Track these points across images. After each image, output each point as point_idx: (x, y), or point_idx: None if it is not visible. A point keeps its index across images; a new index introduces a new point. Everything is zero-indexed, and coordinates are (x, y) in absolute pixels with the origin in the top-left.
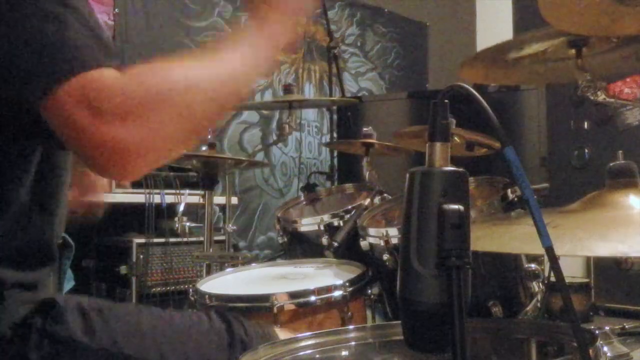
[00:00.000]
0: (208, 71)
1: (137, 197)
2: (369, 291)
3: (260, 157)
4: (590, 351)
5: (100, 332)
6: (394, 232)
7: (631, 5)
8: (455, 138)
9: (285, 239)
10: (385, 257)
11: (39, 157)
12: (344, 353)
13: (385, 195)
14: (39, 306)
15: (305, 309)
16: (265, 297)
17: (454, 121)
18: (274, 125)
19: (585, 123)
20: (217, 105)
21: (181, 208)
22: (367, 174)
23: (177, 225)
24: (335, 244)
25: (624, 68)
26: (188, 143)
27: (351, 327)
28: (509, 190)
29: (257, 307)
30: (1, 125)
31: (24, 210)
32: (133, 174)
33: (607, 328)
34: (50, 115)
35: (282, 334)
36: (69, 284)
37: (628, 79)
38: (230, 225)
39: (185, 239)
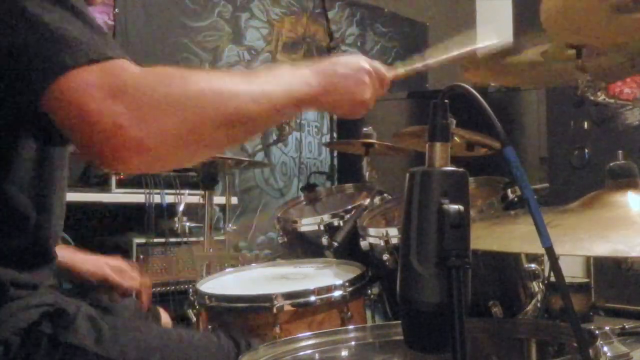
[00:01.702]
0: (235, 88)
1: (137, 197)
2: (369, 291)
3: (260, 157)
4: (590, 351)
5: (110, 343)
6: (394, 232)
7: (631, 14)
8: (455, 138)
9: (285, 239)
10: (385, 257)
11: (35, 156)
12: (344, 353)
13: (385, 195)
14: (49, 313)
15: (305, 309)
16: (265, 297)
17: (454, 121)
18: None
19: (585, 123)
20: (233, 124)
21: (181, 208)
22: (367, 174)
23: (177, 225)
24: (335, 244)
25: (621, 73)
26: (193, 155)
27: (351, 327)
28: (509, 190)
29: (257, 307)
30: None
31: (20, 210)
32: (129, 166)
33: (607, 328)
34: (58, 98)
35: None
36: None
37: (628, 79)
38: (230, 225)
39: (185, 239)
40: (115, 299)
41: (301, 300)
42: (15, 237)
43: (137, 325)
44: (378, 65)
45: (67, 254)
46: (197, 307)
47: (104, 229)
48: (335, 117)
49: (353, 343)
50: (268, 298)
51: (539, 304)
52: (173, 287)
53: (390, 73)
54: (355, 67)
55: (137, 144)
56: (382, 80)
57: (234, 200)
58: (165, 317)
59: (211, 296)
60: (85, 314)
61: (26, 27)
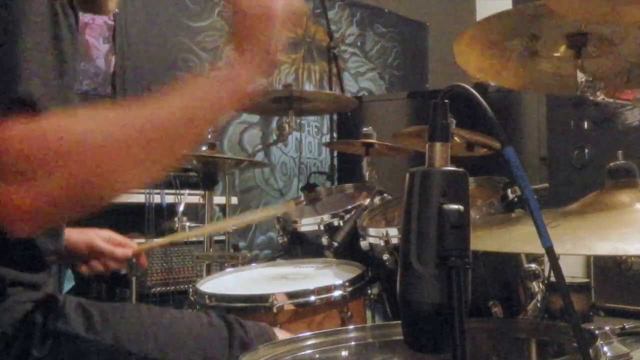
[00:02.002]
0: (128, 123)
1: (137, 197)
2: (369, 291)
3: (260, 157)
4: (590, 351)
5: (101, 329)
6: (394, 232)
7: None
8: (455, 138)
9: (285, 239)
10: (385, 257)
11: None
12: (344, 353)
13: (385, 195)
14: (40, 303)
15: (305, 309)
16: (265, 297)
17: (454, 121)
18: (274, 125)
19: (585, 123)
20: (133, 160)
21: (181, 208)
22: (367, 174)
23: (177, 225)
24: (335, 244)
25: (616, 84)
26: (92, 202)
27: (351, 327)
28: (509, 190)
29: (257, 307)
30: None
31: None
32: (20, 233)
33: (607, 328)
34: None
35: (282, 334)
36: (69, 283)
37: None
38: (230, 225)
39: (185, 239)
40: (105, 270)
41: (301, 300)
42: (12, 240)
43: (128, 307)
44: None
45: None
46: (197, 307)
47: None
48: (335, 117)
49: (353, 343)
50: (268, 298)
51: (539, 304)
52: (173, 287)
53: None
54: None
55: (24, 211)
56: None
57: (234, 200)
58: None
59: (211, 296)
60: (74, 302)
61: None
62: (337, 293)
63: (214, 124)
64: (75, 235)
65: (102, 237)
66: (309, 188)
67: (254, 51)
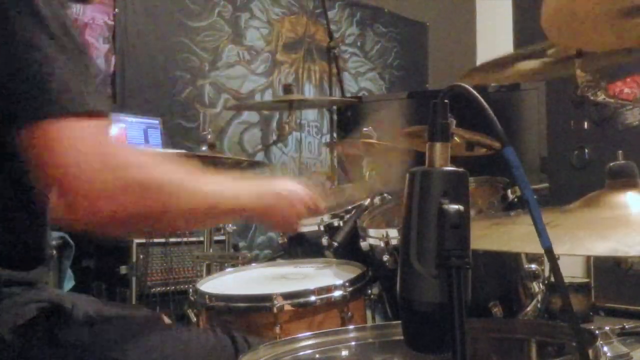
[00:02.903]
0: (191, 187)
1: None
2: (369, 291)
3: (260, 157)
4: (590, 351)
5: (107, 340)
6: (394, 233)
7: (637, 18)
8: (455, 138)
9: (285, 239)
10: (385, 257)
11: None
12: (344, 353)
13: (385, 195)
14: (45, 309)
15: (305, 309)
16: (265, 297)
17: (454, 121)
18: (274, 125)
19: (585, 123)
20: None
21: None
22: (367, 174)
23: None
24: (335, 244)
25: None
26: (128, 228)
27: (351, 327)
28: (509, 190)
29: (257, 307)
30: None
31: (9, 210)
32: (77, 223)
33: (607, 328)
34: (33, 140)
35: None
36: (69, 283)
37: (628, 79)
38: (230, 225)
39: (185, 239)
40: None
41: (301, 300)
42: (5, 236)
43: (135, 323)
44: (306, 194)
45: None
46: (197, 307)
47: None
48: (335, 117)
49: (353, 343)
50: (268, 298)
51: (539, 304)
52: (173, 287)
53: (320, 204)
54: (292, 194)
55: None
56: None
57: None
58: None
59: (211, 296)
60: (83, 312)
61: (18, 62)
62: (337, 293)
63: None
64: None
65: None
66: None
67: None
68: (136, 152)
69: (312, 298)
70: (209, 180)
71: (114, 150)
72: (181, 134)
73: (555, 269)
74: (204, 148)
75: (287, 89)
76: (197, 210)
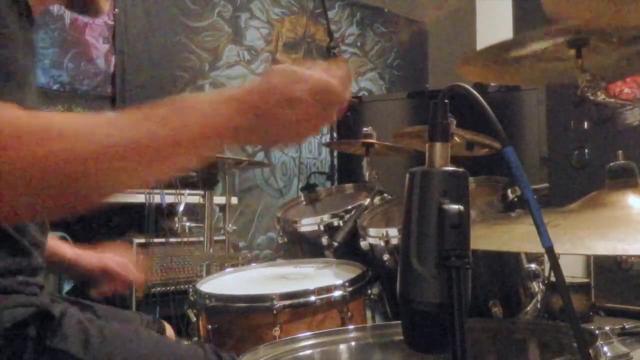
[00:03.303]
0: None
1: (137, 197)
2: (369, 291)
3: (260, 157)
4: (590, 351)
5: (97, 350)
6: (394, 232)
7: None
8: (455, 138)
9: (285, 239)
10: (386, 257)
11: None
12: (344, 353)
13: (385, 195)
14: (34, 314)
15: (305, 309)
16: (265, 297)
17: (454, 121)
18: None
19: (585, 123)
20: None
21: (181, 208)
22: (367, 174)
23: (177, 225)
24: (335, 244)
25: (623, 70)
26: (79, 199)
27: (351, 327)
28: (509, 190)
29: (257, 307)
30: None
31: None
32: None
33: (607, 328)
34: None
35: None
36: (68, 284)
37: (628, 79)
38: (230, 225)
39: (185, 239)
40: (105, 292)
41: (301, 300)
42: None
43: (126, 331)
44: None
45: (70, 251)
46: (197, 307)
47: (104, 229)
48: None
49: (353, 343)
50: (268, 298)
51: (539, 304)
52: (173, 287)
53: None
54: (289, 78)
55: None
56: (331, 97)
57: (234, 200)
58: (169, 331)
59: (211, 296)
60: (73, 318)
61: None
62: (337, 293)
63: (198, 154)
64: (92, 260)
65: (115, 262)
66: (308, 188)
67: (263, 133)
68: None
69: (312, 298)
70: (134, 116)
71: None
72: None
73: (555, 268)
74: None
75: None
76: (127, 157)
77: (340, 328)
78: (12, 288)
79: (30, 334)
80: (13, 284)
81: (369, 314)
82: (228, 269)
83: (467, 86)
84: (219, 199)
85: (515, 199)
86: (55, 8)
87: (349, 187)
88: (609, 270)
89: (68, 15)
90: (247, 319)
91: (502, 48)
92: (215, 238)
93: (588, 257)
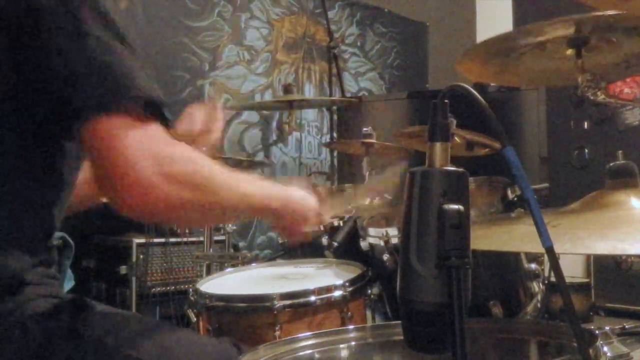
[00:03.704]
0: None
1: None
2: (369, 291)
3: (260, 157)
4: (590, 351)
5: (125, 339)
6: (394, 232)
7: None
8: (455, 138)
9: (285, 239)
10: (385, 257)
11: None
12: (344, 353)
13: (385, 195)
14: (68, 303)
15: (305, 309)
16: (265, 297)
17: (454, 121)
18: (274, 125)
19: (585, 123)
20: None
21: None
22: (367, 174)
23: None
24: (335, 244)
25: (623, 70)
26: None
27: (351, 327)
28: (509, 190)
29: (257, 307)
30: (39, 124)
31: (41, 202)
32: (136, 214)
33: (607, 328)
34: (95, 132)
35: None
36: (69, 283)
37: (628, 79)
38: (230, 225)
39: (185, 239)
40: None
41: (301, 300)
42: (31, 226)
43: (152, 322)
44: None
45: None
46: (197, 307)
47: (104, 229)
48: (335, 117)
49: (353, 343)
50: (268, 298)
51: (539, 304)
52: (173, 287)
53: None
54: (307, 203)
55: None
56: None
57: None
58: None
59: (211, 296)
60: (103, 309)
61: (85, 60)
62: (337, 293)
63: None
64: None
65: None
66: None
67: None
68: (187, 148)
69: (312, 298)
70: (246, 179)
71: (169, 146)
72: None
73: (555, 268)
74: (203, 148)
75: (287, 89)
76: (236, 207)
77: (340, 328)
78: (35, 280)
79: (64, 323)
80: (35, 276)
81: (369, 314)
82: (228, 269)
83: (467, 86)
84: None
85: (515, 199)
86: None
87: (349, 187)
88: (609, 270)
89: None
90: (247, 319)
91: (502, 40)
92: (215, 238)
93: (588, 257)
